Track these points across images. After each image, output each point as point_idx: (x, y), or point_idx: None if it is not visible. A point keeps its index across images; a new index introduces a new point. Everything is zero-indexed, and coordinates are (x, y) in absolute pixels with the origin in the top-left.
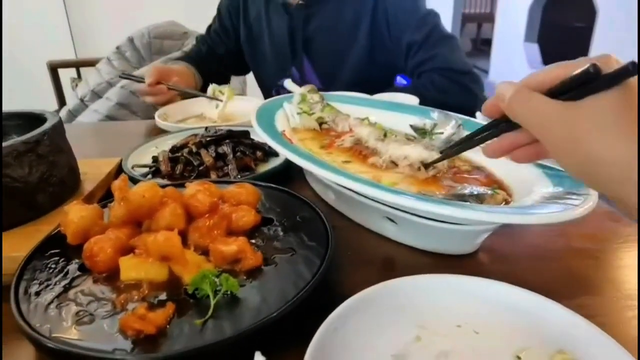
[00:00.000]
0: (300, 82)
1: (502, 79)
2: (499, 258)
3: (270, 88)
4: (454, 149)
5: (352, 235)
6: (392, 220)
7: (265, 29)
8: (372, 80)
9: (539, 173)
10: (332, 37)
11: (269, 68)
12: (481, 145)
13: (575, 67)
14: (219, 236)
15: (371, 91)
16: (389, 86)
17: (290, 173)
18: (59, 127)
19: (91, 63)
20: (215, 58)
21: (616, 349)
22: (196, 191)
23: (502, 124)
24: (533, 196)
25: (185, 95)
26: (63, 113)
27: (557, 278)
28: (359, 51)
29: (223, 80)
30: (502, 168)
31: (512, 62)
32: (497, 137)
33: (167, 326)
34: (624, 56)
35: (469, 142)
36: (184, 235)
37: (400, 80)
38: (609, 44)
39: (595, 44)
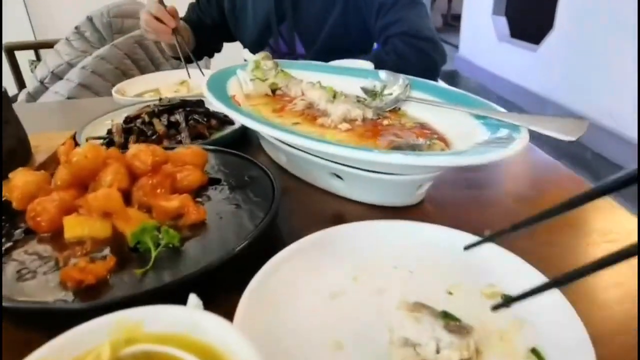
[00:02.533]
0: (286, 51)
1: (472, 53)
2: (443, 207)
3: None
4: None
5: (302, 195)
6: (338, 177)
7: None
8: (347, 49)
9: (477, 124)
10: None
11: (252, 36)
12: None
13: None
14: (162, 194)
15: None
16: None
17: (245, 140)
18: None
19: (50, 45)
20: (204, 27)
21: (541, 279)
22: (138, 151)
23: None
24: (468, 143)
25: (174, 54)
26: (22, 96)
27: (499, 221)
28: (335, 14)
29: (213, 49)
30: (444, 123)
31: (481, 36)
32: None
33: (108, 277)
34: (588, 25)
35: None
36: (128, 195)
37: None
38: (574, 12)
39: (560, 13)
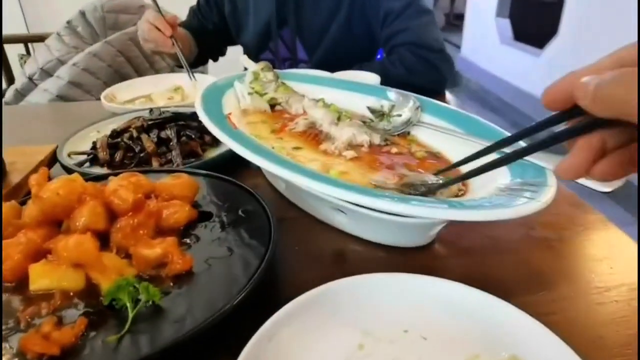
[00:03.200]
0: (288, 55)
1: (475, 54)
2: (456, 250)
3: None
4: (483, 160)
5: (302, 228)
6: (341, 211)
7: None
8: (351, 55)
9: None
10: (318, 5)
11: (253, 40)
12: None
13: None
14: (145, 236)
15: (350, 67)
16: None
17: (241, 159)
18: None
19: (41, 38)
20: (206, 31)
21: (568, 353)
22: (118, 186)
23: (577, 126)
24: (488, 188)
25: (176, 62)
26: (10, 93)
27: (516, 271)
28: (339, 20)
29: (217, 53)
30: (458, 153)
31: (484, 37)
32: (570, 152)
33: (78, 343)
34: (593, 33)
35: (520, 152)
36: (106, 237)
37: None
38: (579, 20)
39: (565, 20)
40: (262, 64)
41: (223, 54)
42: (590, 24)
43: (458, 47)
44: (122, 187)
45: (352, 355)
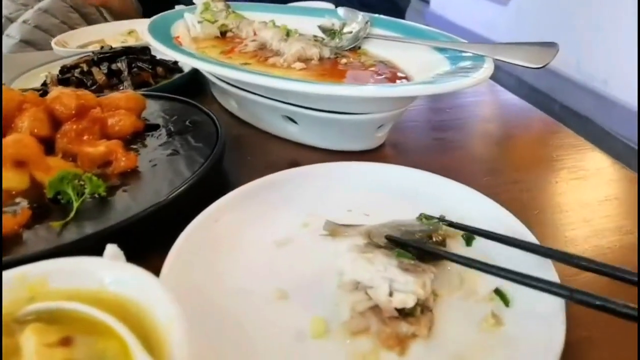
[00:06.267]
0: None
1: (443, 7)
2: (405, 151)
3: None
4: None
5: (256, 142)
6: (292, 120)
7: None
8: None
9: (440, 58)
10: None
11: None
12: None
13: None
14: (89, 141)
15: None
16: None
17: (196, 88)
18: None
19: None
20: None
21: (499, 211)
22: (60, 93)
23: None
24: (428, 74)
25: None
26: None
27: (462, 165)
28: None
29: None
30: (406, 59)
31: None
32: None
33: (21, 231)
34: None
35: None
36: (52, 145)
37: None
38: None
39: None
40: None
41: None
42: None
43: (427, 1)
44: (64, 93)
45: (298, 232)
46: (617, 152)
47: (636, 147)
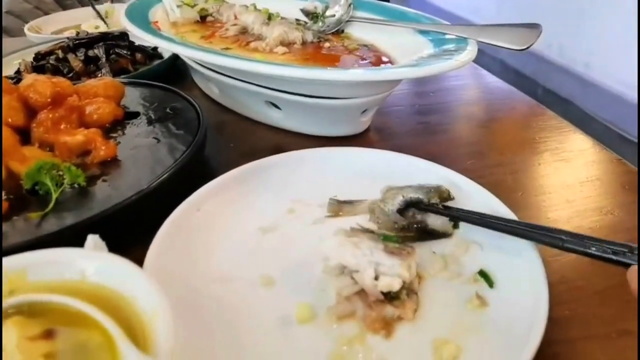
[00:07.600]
0: None
1: None
2: (390, 135)
3: None
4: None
5: (238, 128)
6: (275, 106)
7: None
8: None
9: (424, 40)
10: None
11: None
12: None
13: None
14: (66, 130)
15: None
16: None
17: (177, 75)
18: None
19: None
20: None
21: (480, 192)
22: (34, 81)
23: None
24: (412, 57)
25: None
26: None
27: (447, 150)
28: None
29: None
30: (389, 42)
31: None
32: None
33: None
34: None
35: None
36: (27, 134)
37: None
38: None
39: None
40: None
41: None
42: None
43: None
44: (38, 80)
45: (283, 218)
46: (598, 133)
47: (617, 131)
